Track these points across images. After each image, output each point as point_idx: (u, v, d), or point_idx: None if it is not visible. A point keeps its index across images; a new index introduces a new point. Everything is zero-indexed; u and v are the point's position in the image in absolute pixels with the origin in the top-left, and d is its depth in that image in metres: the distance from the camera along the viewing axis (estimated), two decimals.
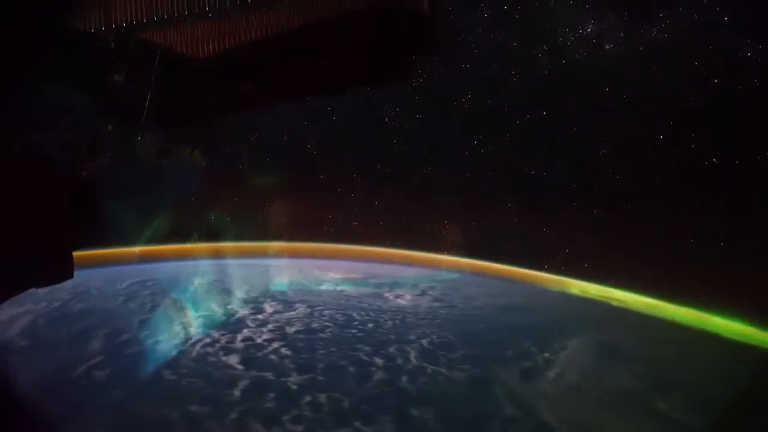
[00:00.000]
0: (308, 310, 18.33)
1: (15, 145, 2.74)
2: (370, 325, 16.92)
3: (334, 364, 12.77)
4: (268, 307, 18.54)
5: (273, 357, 13.16)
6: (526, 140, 23.93)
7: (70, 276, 2.54)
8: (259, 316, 17.22)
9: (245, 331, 15.37)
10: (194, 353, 13.00)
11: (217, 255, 23.39)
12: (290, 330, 15.74)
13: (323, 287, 22.19)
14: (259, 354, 13.30)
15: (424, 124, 25.72)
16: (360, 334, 15.79)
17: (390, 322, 17.29)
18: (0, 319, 13.28)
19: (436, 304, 20.36)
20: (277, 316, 17.32)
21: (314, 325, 16.41)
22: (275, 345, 14.07)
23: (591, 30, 21.16)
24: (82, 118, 3.25)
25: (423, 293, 21.97)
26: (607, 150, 22.49)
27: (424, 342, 15.02)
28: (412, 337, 15.54)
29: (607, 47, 21.19)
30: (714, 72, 19.26)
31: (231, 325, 16.08)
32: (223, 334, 14.85)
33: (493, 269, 25.61)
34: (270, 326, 16.05)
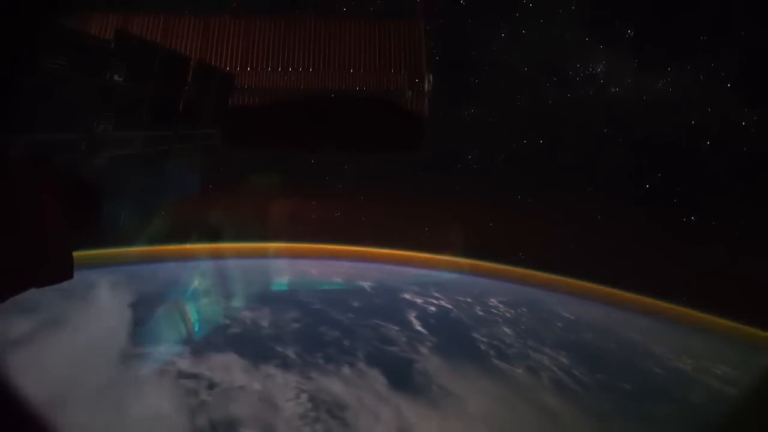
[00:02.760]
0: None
1: (15, 145, 2.74)
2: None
3: None
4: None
5: None
6: (520, 163, 24.14)
7: (70, 276, 2.53)
8: None
9: None
10: None
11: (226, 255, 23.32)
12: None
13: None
14: None
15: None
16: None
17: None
18: None
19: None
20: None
21: None
22: None
23: (601, 70, 21.54)
24: (82, 118, 3.25)
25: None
26: (592, 189, 22.98)
27: None
28: None
29: (613, 90, 21.58)
30: (708, 133, 19.81)
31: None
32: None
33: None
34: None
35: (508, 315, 19.82)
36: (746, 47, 17.79)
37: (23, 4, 2.42)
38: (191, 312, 16.77)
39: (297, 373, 12.61)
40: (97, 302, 16.98)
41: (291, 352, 13.80)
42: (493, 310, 20.30)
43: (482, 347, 15.83)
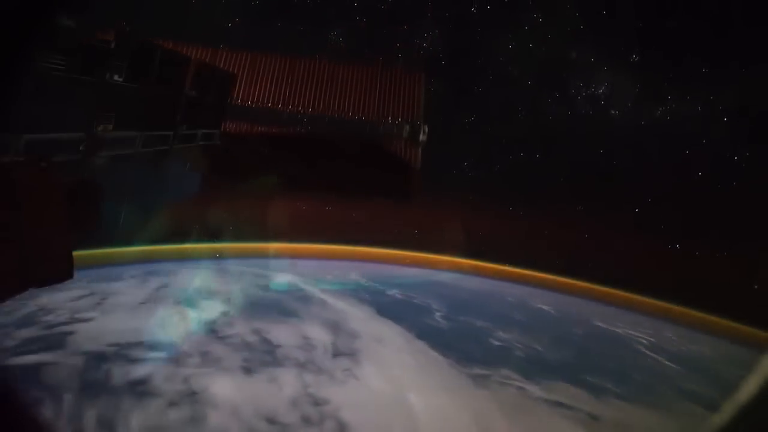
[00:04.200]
0: None
1: (15, 145, 2.74)
2: None
3: None
4: None
5: None
6: (514, 177, 24.25)
7: (70, 276, 2.54)
8: None
9: None
10: None
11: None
12: None
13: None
14: None
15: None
16: None
17: None
18: None
19: None
20: None
21: None
22: None
23: (602, 91, 22.04)
24: (82, 118, 3.25)
25: None
26: (582, 207, 23.35)
27: None
28: None
29: (613, 112, 22.09)
30: (701, 164, 20.48)
31: None
32: None
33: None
34: None
35: (684, 350, 20.23)
36: (745, 84, 18.24)
37: (23, 5, 2.42)
38: None
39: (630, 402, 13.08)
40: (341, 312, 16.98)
41: (590, 378, 14.21)
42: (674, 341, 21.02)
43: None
